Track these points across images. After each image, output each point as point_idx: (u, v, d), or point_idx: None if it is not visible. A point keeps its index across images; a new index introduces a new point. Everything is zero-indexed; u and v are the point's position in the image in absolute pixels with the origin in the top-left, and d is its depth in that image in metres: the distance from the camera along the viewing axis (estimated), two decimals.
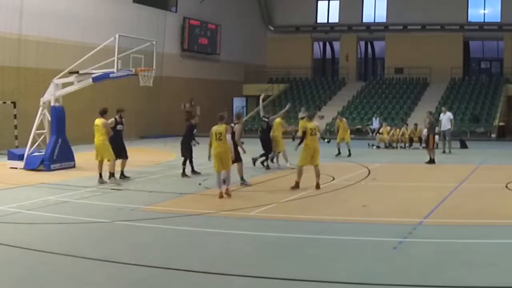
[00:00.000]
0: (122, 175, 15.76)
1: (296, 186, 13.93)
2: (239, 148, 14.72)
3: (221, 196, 12.74)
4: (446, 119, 23.84)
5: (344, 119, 24.34)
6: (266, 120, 18.30)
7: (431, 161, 19.39)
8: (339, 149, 22.27)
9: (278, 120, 18.39)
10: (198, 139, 16.97)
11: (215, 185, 14.69)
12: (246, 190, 14.25)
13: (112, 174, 15.11)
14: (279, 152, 18.38)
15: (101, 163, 15.20)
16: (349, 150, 22.31)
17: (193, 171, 16.59)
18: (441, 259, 8.01)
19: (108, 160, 15.25)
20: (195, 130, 16.91)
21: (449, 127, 23.67)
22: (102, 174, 15.12)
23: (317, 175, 14.00)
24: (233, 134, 14.38)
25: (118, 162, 15.63)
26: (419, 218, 10.57)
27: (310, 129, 14.10)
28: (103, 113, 15.48)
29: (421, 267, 7.69)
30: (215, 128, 13.00)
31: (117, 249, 8.87)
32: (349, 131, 23.39)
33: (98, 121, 15.33)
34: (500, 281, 7.08)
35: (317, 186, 13.89)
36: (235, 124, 15.02)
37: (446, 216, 10.90)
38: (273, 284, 7.24)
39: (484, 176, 16.72)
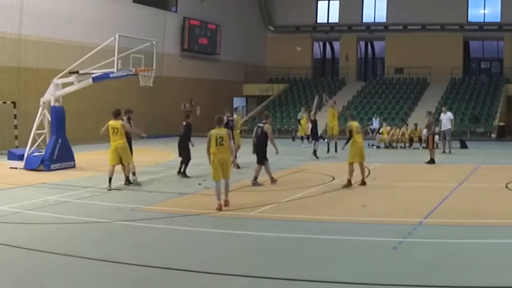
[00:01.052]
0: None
1: (349, 184, 14.32)
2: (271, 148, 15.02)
3: (220, 209, 11.40)
4: (446, 119, 23.86)
5: (336, 107, 23.95)
6: (232, 119, 18.76)
7: (431, 161, 19.39)
8: (329, 145, 22.11)
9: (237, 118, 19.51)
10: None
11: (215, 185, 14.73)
12: (246, 190, 14.24)
13: (127, 178, 14.78)
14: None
15: (113, 167, 14.39)
16: (336, 146, 22.05)
17: (180, 172, 16.37)
18: (441, 259, 8.01)
19: (128, 164, 14.72)
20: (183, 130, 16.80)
21: (450, 127, 23.69)
22: (112, 179, 14.38)
23: (363, 171, 14.67)
24: (265, 134, 14.84)
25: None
26: (419, 218, 10.58)
27: (356, 127, 14.71)
28: (117, 115, 14.84)
29: (421, 267, 7.69)
30: (215, 132, 11.74)
31: (117, 249, 8.87)
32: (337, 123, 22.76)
33: (116, 123, 14.57)
34: (500, 281, 7.09)
35: (363, 182, 14.49)
36: (264, 123, 15.17)
37: (446, 216, 10.90)
38: (273, 284, 7.24)
39: (484, 176, 16.71)
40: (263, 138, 14.95)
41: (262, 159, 14.91)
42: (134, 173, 15.11)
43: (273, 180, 15.07)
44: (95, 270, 7.83)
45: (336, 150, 21.90)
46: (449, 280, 7.16)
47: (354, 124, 14.93)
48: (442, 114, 24.54)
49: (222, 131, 11.87)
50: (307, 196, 13.25)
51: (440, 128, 23.73)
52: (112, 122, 14.63)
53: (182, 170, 16.44)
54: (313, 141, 21.49)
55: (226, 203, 11.64)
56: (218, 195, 11.53)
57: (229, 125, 17.67)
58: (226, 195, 11.75)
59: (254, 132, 15.47)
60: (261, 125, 15.21)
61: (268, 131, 14.87)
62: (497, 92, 37.33)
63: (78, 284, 7.24)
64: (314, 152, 21.07)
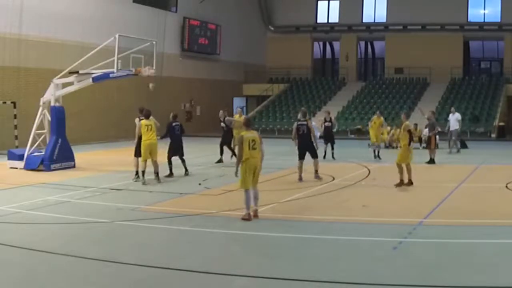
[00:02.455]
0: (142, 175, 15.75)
1: (401, 183, 14.42)
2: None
3: (249, 218, 10.56)
4: (454, 119, 24.32)
5: (382, 118, 23.73)
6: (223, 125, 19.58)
7: (431, 161, 19.39)
8: (375, 152, 21.42)
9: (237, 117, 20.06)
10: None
11: (215, 185, 14.77)
12: None
13: (157, 174, 15.26)
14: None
15: (145, 163, 15.10)
16: (378, 153, 21.58)
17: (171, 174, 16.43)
18: (441, 259, 8.01)
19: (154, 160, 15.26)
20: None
21: (457, 127, 24.10)
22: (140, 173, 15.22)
23: (409, 171, 14.65)
24: (309, 131, 15.47)
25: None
26: (419, 218, 10.58)
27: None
28: (149, 116, 15.44)
29: (421, 267, 7.69)
30: (247, 135, 10.73)
31: (117, 249, 8.87)
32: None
33: (149, 122, 15.24)
34: (500, 281, 7.09)
35: (411, 182, 14.43)
36: (305, 121, 15.72)
37: (446, 216, 10.90)
38: (273, 284, 7.24)
39: (484, 176, 16.72)
40: (309, 134, 15.59)
41: (316, 152, 15.70)
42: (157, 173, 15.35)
43: (301, 179, 15.53)
44: (95, 270, 7.83)
45: (379, 156, 21.33)
46: (449, 280, 7.16)
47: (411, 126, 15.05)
48: (450, 115, 24.90)
49: (254, 134, 10.89)
50: (307, 196, 13.24)
51: (448, 128, 24.15)
52: (144, 121, 15.25)
53: (185, 169, 16.65)
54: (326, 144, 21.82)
55: (255, 213, 10.72)
56: (248, 204, 10.63)
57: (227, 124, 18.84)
58: (255, 204, 10.75)
59: (295, 130, 15.82)
60: (304, 123, 15.62)
61: (311, 127, 15.67)
62: (497, 92, 37.34)
63: (78, 284, 7.24)
64: (324, 154, 21.24)
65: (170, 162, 16.55)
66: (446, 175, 16.99)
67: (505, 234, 9.44)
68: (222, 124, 19.57)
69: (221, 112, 19.98)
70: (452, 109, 25.75)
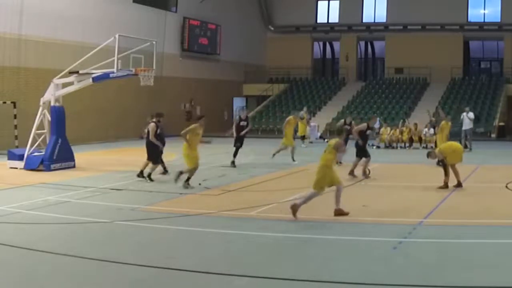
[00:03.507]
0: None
1: (459, 184, 14.05)
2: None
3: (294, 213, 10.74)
4: (468, 118, 25.24)
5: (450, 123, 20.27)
6: (245, 123, 19.70)
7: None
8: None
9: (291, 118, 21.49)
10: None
11: (215, 185, 14.77)
12: (246, 190, 14.25)
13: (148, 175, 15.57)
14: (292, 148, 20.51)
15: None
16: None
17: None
18: (441, 259, 8.01)
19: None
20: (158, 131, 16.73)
21: (472, 126, 25.29)
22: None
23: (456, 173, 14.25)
24: (349, 133, 17.11)
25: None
26: (419, 218, 10.58)
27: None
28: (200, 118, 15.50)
29: (421, 267, 7.69)
30: (330, 141, 11.46)
31: (117, 249, 8.87)
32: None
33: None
34: (500, 281, 7.09)
35: (460, 184, 14.05)
36: (366, 123, 17.07)
37: (446, 216, 10.90)
38: (273, 284, 7.24)
39: (484, 176, 16.72)
40: (357, 138, 16.73)
41: (359, 153, 16.63)
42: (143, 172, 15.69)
43: (365, 174, 16.27)
44: (95, 270, 7.83)
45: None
46: (449, 280, 7.16)
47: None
48: (464, 114, 25.56)
49: (331, 142, 11.26)
50: None
51: (462, 127, 25.23)
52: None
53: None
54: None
55: (341, 212, 10.96)
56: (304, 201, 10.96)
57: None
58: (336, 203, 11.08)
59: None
60: (348, 127, 17.86)
61: (359, 128, 16.92)
62: (497, 92, 37.33)
63: (78, 284, 7.24)
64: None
65: (162, 161, 16.85)
66: None
67: (505, 234, 9.45)
68: (244, 122, 19.39)
69: (244, 113, 20.36)
70: (467, 108, 26.45)
